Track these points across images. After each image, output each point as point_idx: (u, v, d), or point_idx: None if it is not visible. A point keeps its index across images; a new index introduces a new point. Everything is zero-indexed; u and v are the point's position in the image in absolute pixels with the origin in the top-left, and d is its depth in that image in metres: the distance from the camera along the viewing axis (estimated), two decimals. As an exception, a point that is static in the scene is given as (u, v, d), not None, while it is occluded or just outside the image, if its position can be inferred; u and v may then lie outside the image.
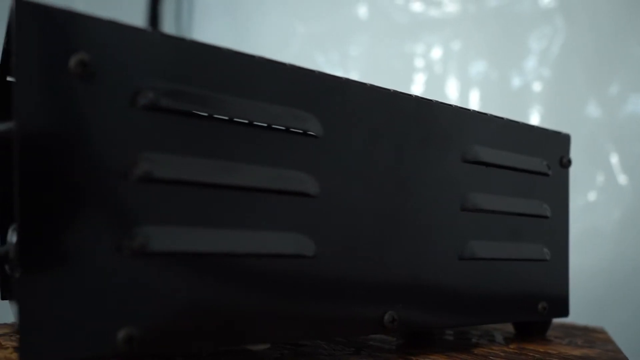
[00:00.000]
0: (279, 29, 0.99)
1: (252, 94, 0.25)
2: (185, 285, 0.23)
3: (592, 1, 0.78)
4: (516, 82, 0.83)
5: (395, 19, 0.91)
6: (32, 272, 0.20)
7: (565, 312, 0.38)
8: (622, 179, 0.73)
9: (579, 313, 0.44)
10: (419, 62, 0.89)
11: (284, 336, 0.27)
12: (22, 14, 0.20)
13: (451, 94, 0.85)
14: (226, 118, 0.25)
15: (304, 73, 0.27)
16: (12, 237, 0.22)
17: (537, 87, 0.82)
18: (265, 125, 0.26)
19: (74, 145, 0.21)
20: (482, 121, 0.34)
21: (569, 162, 0.39)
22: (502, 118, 0.36)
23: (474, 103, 0.83)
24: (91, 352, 0.21)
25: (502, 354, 0.33)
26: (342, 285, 0.28)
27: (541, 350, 0.34)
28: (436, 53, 0.88)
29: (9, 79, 0.32)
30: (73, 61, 0.21)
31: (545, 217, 0.37)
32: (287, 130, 0.26)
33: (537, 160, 0.37)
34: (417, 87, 0.87)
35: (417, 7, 0.89)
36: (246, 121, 0.25)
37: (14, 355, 0.26)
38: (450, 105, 0.33)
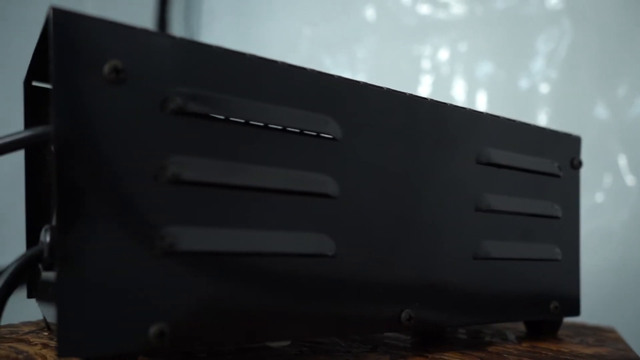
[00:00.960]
0: (286, 32, 1.00)
1: (275, 98, 0.26)
2: (211, 284, 0.24)
3: (599, 3, 0.78)
4: (523, 83, 0.84)
5: (403, 21, 0.91)
6: (69, 271, 0.21)
7: (576, 312, 0.39)
8: (630, 180, 0.73)
9: (587, 313, 0.44)
10: (426, 64, 0.89)
11: (304, 334, 0.28)
12: (59, 22, 0.21)
13: (458, 96, 0.86)
14: (250, 122, 0.25)
15: (324, 77, 0.28)
16: (46, 237, 0.23)
17: (544, 88, 0.83)
18: (287, 128, 0.26)
19: (107, 148, 0.22)
20: (495, 123, 0.35)
21: (579, 164, 0.40)
22: (514, 120, 0.36)
23: (481, 105, 0.84)
24: (124, 347, 0.22)
25: (515, 352, 0.33)
26: (360, 283, 0.28)
27: (553, 348, 0.35)
28: (443, 55, 0.89)
29: (34, 84, 0.33)
30: (107, 68, 0.22)
31: (557, 217, 0.38)
32: (308, 134, 0.27)
33: (548, 161, 0.38)
34: (424, 89, 0.88)
35: (424, 9, 0.90)
36: (269, 125, 0.26)
37: (44, 351, 0.27)
38: (464, 108, 0.33)
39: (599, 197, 0.75)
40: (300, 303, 0.26)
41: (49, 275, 0.25)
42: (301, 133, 0.27)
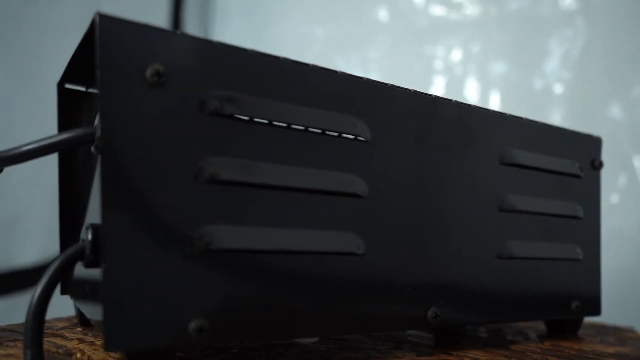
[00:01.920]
0: (299, 33, 1.01)
1: (306, 100, 0.27)
2: (247, 281, 0.25)
3: (613, 3, 0.78)
4: (537, 84, 0.84)
5: (415, 22, 0.92)
6: (114, 269, 0.21)
7: (597, 311, 0.39)
8: (645, 180, 0.73)
9: (603, 312, 0.45)
10: (439, 64, 0.90)
11: (333, 331, 0.28)
12: (105, 27, 0.22)
13: (471, 97, 0.86)
14: (283, 124, 0.26)
15: (354, 80, 0.28)
16: (88, 235, 0.24)
17: (558, 89, 0.83)
18: (319, 130, 0.27)
19: (149, 149, 0.22)
20: (518, 124, 0.36)
21: (600, 164, 0.40)
22: (536, 121, 0.37)
23: (495, 105, 0.84)
24: (166, 342, 0.22)
25: (538, 350, 0.34)
26: (388, 282, 0.29)
27: (576, 347, 0.35)
28: (456, 55, 0.89)
29: (67, 86, 0.34)
30: (149, 71, 0.22)
31: (578, 217, 0.38)
32: (338, 135, 0.28)
33: (570, 162, 0.38)
34: (437, 90, 0.88)
35: (437, 10, 0.90)
36: (301, 127, 0.27)
37: (81, 346, 0.28)
38: (487, 109, 0.34)
39: (614, 198, 0.75)
40: (330, 300, 0.27)
41: (90, 272, 0.26)
42: (331, 134, 0.28)
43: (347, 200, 0.28)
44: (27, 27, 0.79)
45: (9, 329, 0.32)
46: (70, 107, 0.34)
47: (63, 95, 0.34)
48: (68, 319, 0.36)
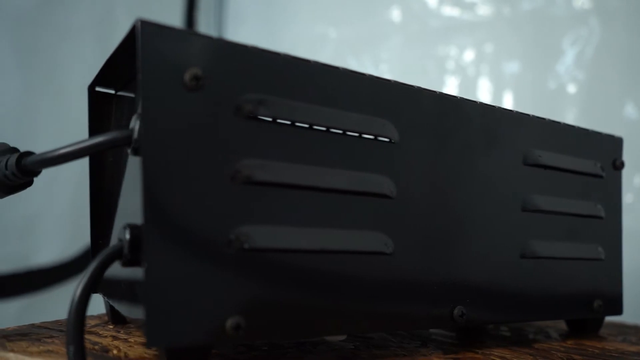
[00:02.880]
0: (312, 34, 1.01)
1: (337, 103, 0.27)
2: (280, 280, 0.25)
3: (627, 2, 0.78)
4: (550, 84, 0.84)
5: (428, 23, 0.92)
6: (156, 267, 0.22)
7: (619, 310, 0.40)
8: (662, 180, 0.73)
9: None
10: (452, 65, 0.90)
11: (362, 328, 0.29)
12: (146, 33, 0.22)
13: (484, 97, 0.87)
14: (314, 126, 0.27)
15: (381, 82, 0.29)
16: (125, 235, 0.25)
17: (571, 89, 0.83)
18: (348, 131, 0.28)
19: (187, 151, 0.23)
20: (541, 125, 0.36)
21: (621, 165, 0.40)
22: (558, 122, 0.37)
23: (507, 106, 0.84)
24: (204, 338, 0.23)
25: (561, 348, 0.34)
26: (415, 281, 0.29)
27: (599, 346, 0.36)
28: (469, 55, 0.89)
29: (98, 89, 0.34)
30: (187, 75, 0.23)
31: (600, 217, 0.39)
32: (367, 137, 0.28)
33: (591, 162, 0.39)
34: (450, 90, 0.88)
35: (450, 10, 0.91)
36: (332, 129, 0.27)
37: (115, 343, 0.29)
38: (511, 110, 0.34)
39: (629, 198, 0.75)
40: (359, 299, 0.28)
41: (127, 271, 0.26)
42: (361, 136, 0.28)
43: (375, 201, 0.28)
44: (46, 31, 0.81)
45: (44, 326, 0.32)
46: (100, 110, 0.35)
47: (94, 97, 0.34)
48: (99, 316, 0.36)
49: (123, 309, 0.29)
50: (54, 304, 0.81)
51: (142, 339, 0.30)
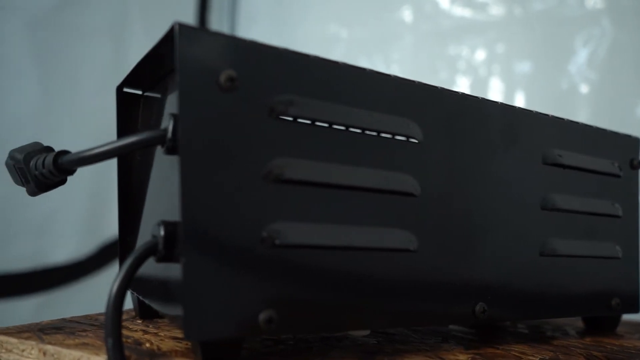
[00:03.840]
0: (323, 34, 1.02)
1: (363, 103, 0.28)
2: (308, 275, 0.26)
3: (639, 2, 0.78)
4: (562, 84, 0.84)
5: (440, 23, 0.92)
6: (193, 263, 0.23)
7: (636, 309, 0.40)
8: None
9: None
10: (463, 65, 0.90)
11: (386, 323, 0.30)
12: (184, 36, 0.23)
13: (496, 97, 0.87)
14: (342, 126, 0.27)
15: (406, 83, 0.30)
16: (160, 231, 0.25)
17: (584, 89, 0.83)
18: (375, 131, 0.28)
19: (222, 150, 0.24)
20: (560, 125, 0.36)
21: (639, 164, 0.40)
22: (577, 122, 0.37)
23: (520, 105, 0.84)
24: (238, 331, 0.24)
25: (580, 345, 0.35)
26: (438, 277, 0.30)
27: (617, 343, 0.36)
28: (480, 55, 0.89)
29: (125, 90, 0.35)
30: (223, 77, 0.24)
31: (617, 216, 0.39)
32: (392, 136, 0.29)
33: (609, 162, 0.39)
34: (461, 90, 0.88)
35: (461, 10, 0.91)
36: (358, 129, 0.28)
37: (146, 336, 0.30)
38: (531, 111, 0.35)
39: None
40: (385, 294, 0.28)
41: (162, 267, 0.27)
42: (387, 136, 0.29)
43: (400, 199, 0.29)
44: (62, 32, 0.82)
45: (75, 320, 0.33)
46: (128, 110, 0.35)
47: (122, 98, 0.35)
48: (126, 311, 0.37)
49: (156, 304, 0.29)
50: (69, 301, 0.82)
51: (171, 333, 0.31)
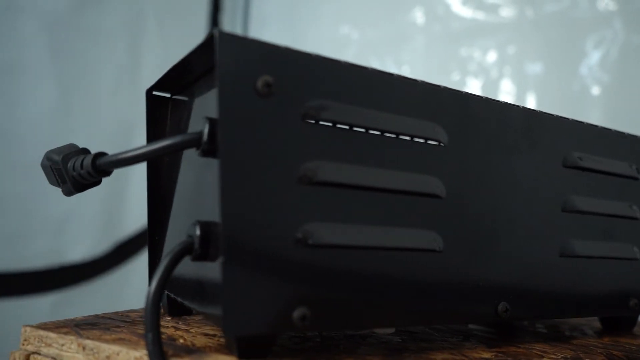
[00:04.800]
0: (334, 35, 1.03)
1: (391, 107, 0.29)
2: (339, 274, 0.27)
3: (652, 4, 0.78)
4: (574, 86, 0.84)
5: (451, 24, 0.93)
6: (232, 261, 0.24)
7: (653, 309, 0.41)
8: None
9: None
10: (475, 66, 0.91)
11: (412, 321, 0.30)
12: (224, 43, 0.24)
13: (507, 98, 0.87)
14: (371, 130, 0.28)
15: (432, 88, 0.30)
16: (196, 231, 0.26)
17: (595, 90, 0.83)
18: (402, 135, 0.29)
19: (259, 154, 0.25)
20: (579, 129, 0.37)
21: (656, 167, 0.41)
22: (596, 126, 0.38)
23: (531, 106, 0.85)
24: (273, 327, 0.25)
25: (599, 345, 0.35)
26: (463, 277, 0.31)
27: (635, 343, 0.37)
28: (492, 57, 0.90)
29: (155, 93, 0.36)
30: (260, 82, 0.25)
31: (635, 218, 0.40)
32: (419, 140, 0.30)
33: (627, 164, 0.40)
34: (473, 91, 0.89)
35: (473, 12, 0.91)
36: (387, 132, 0.29)
37: (179, 333, 0.31)
38: (552, 114, 0.36)
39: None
40: (411, 293, 0.29)
41: (197, 266, 0.28)
42: (414, 139, 0.30)
43: (427, 201, 0.30)
44: (78, 34, 0.83)
45: (107, 317, 0.34)
46: (157, 113, 0.36)
47: (151, 101, 0.36)
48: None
49: (189, 301, 0.30)
50: (85, 299, 0.84)
51: (201, 330, 0.32)
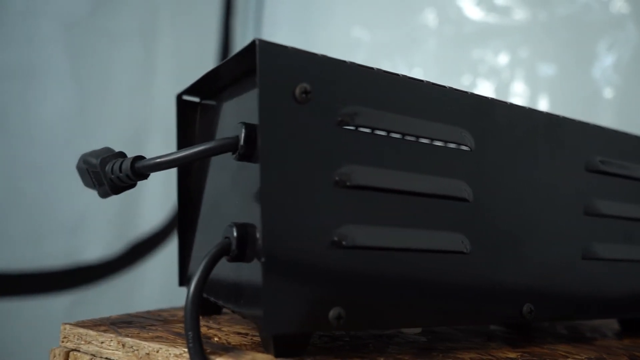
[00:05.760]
0: (346, 37, 1.04)
1: (421, 113, 0.30)
2: (372, 275, 0.28)
3: (665, 8, 0.79)
4: (586, 88, 0.85)
5: (463, 27, 0.94)
6: (272, 262, 0.25)
7: (672, 311, 0.41)
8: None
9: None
10: (487, 69, 0.91)
11: (440, 321, 0.31)
12: (264, 51, 0.25)
13: (519, 101, 0.88)
14: (403, 135, 0.29)
15: (460, 94, 0.31)
16: (233, 232, 0.27)
17: (608, 93, 0.83)
18: (431, 140, 0.30)
19: (298, 158, 0.26)
20: (601, 133, 0.38)
21: (675, 171, 0.42)
22: (617, 130, 0.39)
23: (543, 109, 0.85)
24: (311, 326, 0.26)
25: (621, 346, 0.36)
26: (489, 279, 0.32)
27: (655, 344, 0.37)
28: (504, 59, 0.90)
29: (185, 97, 0.37)
30: (298, 90, 0.26)
31: (655, 222, 0.40)
32: (448, 145, 0.30)
33: (647, 168, 0.40)
34: (484, 94, 0.89)
35: (485, 15, 0.92)
36: (417, 137, 0.29)
37: (212, 331, 0.31)
38: (574, 119, 0.36)
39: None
40: (440, 294, 0.30)
41: (236, 267, 0.29)
42: (442, 144, 0.30)
43: (455, 204, 0.30)
44: (95, 36, 0.84)
45: (140, 316, 0.35)
46: (187, 117, 0.37)
47: (181, 105, 0.37)
48: (181, 308, 0.39)
49: (224, 301, 0.31)
50: (101, 299, 0.85)
51: (233, 329, 0.33)
